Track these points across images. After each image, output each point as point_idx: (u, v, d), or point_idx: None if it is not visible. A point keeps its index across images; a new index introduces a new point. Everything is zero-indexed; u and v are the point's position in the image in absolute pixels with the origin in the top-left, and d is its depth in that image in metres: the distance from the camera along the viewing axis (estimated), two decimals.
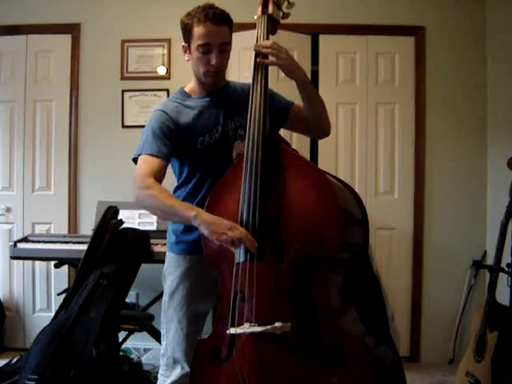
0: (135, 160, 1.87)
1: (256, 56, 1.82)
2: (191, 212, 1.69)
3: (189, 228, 1.91)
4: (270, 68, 1.82)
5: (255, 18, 1.87)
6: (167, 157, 1.85)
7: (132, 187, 1.81)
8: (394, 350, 1.75)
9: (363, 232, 1.79)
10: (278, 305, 1.60)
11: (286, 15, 1.94)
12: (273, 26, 1.88)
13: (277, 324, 1.55)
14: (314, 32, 3.74)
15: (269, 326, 1.55)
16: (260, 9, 1.86)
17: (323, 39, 3.76)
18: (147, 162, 1.81)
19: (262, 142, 1.70)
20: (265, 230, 1.64)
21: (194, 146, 1.89)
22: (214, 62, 1.82)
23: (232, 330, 1.61)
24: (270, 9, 1.85)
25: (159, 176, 1.81)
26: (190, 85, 1.97)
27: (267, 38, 1.83)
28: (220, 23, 1.80)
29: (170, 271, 1.98)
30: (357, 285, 1.79)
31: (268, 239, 1.64)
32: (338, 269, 1.72)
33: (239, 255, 1.65)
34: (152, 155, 1.81)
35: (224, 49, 1.84)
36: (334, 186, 1.71)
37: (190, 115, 1.89)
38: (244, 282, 1.62)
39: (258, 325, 1.57)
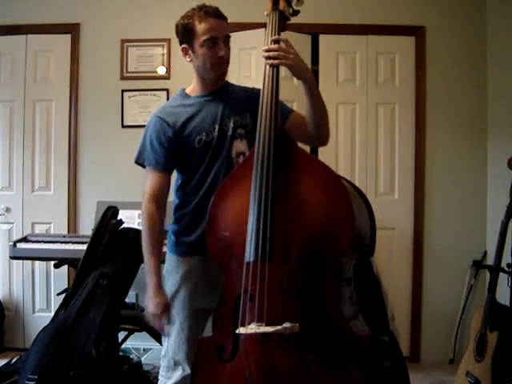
0: (137, 163, 1.97)
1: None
2: (148, 277, 1.88)
3: (188, 229, 1.94)
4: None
5: (265, 13, 1.85)
6: (169, 168, 1.94)
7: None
8: (399, 350, 1.75)
9: (371, 233, 1.79)
10: (287, 305, 1.58)
11: (295, 12, 1.92)
12: (283, 22, 1.86)
13: (285, 324, 1.53)
14: (314, 32, 3.74)
15: (279, 327, 1.53)
16: (271, 5, 1.84)
17: (323, 39, 3.76)
18: (152, 179, 1.92)
19: (274, 139, 1.68)
20: (276, 229, 1.62)
21: (193, 146, 1.90)
22: (222, 53, 1.86)
23: (242, 330, 1.59)
24: (281, 5, 1.84)
25: (163, 190, 1.93)
26: (191, 86, 2.00)
27: (278, 35, 1.81)
28: (220, 18, 1.87)
29: (171, 273, 1.98)
30: (357, 285, 1.79)
31: (279, 239, 1.61)
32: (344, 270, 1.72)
33: (249, 254, 1.62)
34: (155, 170, 1.92)
35: (228, 41, 1.90)
36: (346, 186, 1.70)
37: (188, 114, 1.91)
38: (254, 282, 1.60)
39: (266, 325, 1.55)
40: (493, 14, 3.65)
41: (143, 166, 1.95)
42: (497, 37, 3.61)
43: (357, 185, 3.86)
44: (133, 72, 3.79)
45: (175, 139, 1.89)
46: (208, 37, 1.83)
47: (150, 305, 1.87)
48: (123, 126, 3.78)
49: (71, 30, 3.80)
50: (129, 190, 3.64)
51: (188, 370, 1.88)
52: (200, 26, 1.83)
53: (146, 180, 1.93)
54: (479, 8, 3.70)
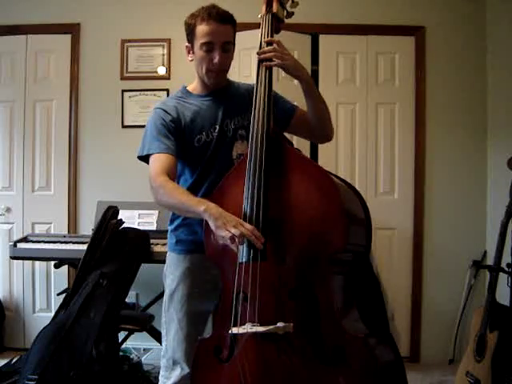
0: (141, 158, 1.89)
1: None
2: (201, 207, 1.66)
3: (187, 228, 1.94)
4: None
5: (259, 16, 1.87)
6: (176, 152, 1.85)
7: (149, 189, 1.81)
8: (396, 350, 1.75)
9: (366, 232, 1.79)
10: (281, 305, 1.59)
11: (289, 14, 1.94)
12: (277, 24, 1.88)
13: (279, 324, 1.54)
14: (314, 32, 3.74)
15: (271, 327, 1.54)
16: (264, 7, 1.86)
17: (323, 39, 3.76)
18: (158, 160, 1.81)
19: (266, 141, 1.69)
20: (268, 229, 1.63)
21: (192, 145, 1.89)
22: (216, 60, 1.82)
23: (234, 330, 1.60)
24: (275, 7, 1.85)
25: (172, 172, 1.81)
26: (193, 84, 1.99)
27: (271, 37, 1.82)
28: (223, 22, 1.81)
29: (171, 271, 1.98)
30: (357, 285, 1.79)
31: (271, 239, 1.63)
32: (340, 269, 1.72)
33: (242, 255, 1.63)
34: (161, 153, 1.82)
35: (227, 48, 1.84)
36: (338, 185, 1.71)
37: (189, 113, 1.90)
38: (247, 282, 1.61)
39: (261, 325, 1.56)
40: (493, 14, 3.65)
41: (147, 162, 1.86)
42: (497, 37, 3.61)
43: (357, 185, 3.88)
44: (133, 72, 3.79)
45: (176, 131, 1.86)
46: (204, 40, 1.81)
47: (222, 218, 1.60)
48: (123, 126, 3.78)
49: (71, 30, 3.81)
50: (129, 190, 3.66)
51: (187, 370, 1.88)
52: (200, 28, 1.81)
53: (151, 166, 1.82)
54: (479, 8, 3.70)
